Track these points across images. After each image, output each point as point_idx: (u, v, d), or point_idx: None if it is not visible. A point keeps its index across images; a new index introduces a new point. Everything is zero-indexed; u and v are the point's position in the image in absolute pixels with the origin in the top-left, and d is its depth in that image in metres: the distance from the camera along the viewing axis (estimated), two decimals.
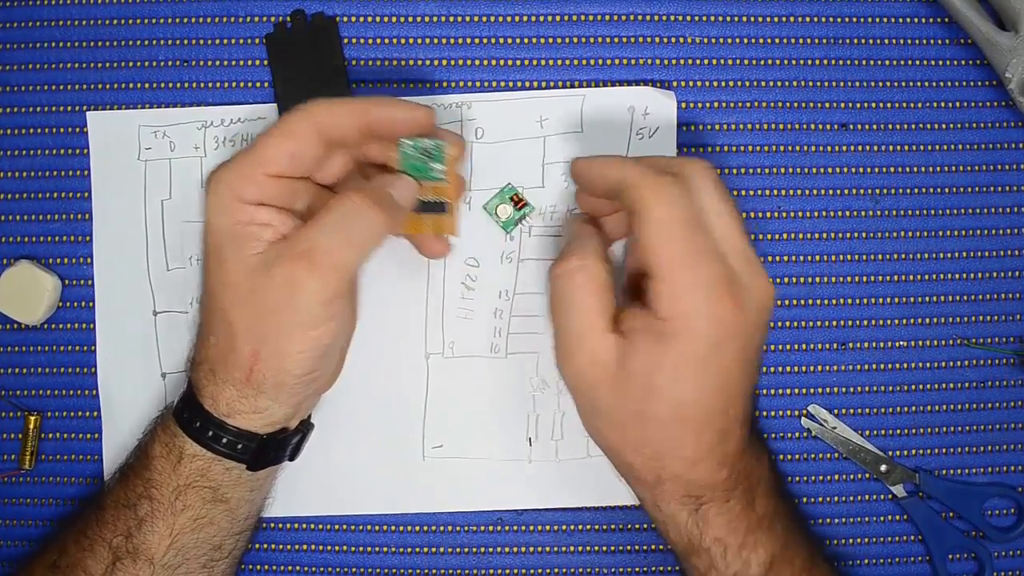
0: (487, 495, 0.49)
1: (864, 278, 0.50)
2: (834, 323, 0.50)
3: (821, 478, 0.50)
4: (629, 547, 0.50)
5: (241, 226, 0.39)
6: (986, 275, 0.50)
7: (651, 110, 0.49)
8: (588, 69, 0.49)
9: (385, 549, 0.50)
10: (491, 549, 0.50)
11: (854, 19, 0.50)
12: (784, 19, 0.50)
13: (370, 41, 0.50)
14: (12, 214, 0.50)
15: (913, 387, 0.50)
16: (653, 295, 0.37)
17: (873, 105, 0.50)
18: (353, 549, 0.50)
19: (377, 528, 0.50)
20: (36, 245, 0.50)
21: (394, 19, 0.50)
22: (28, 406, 0.50)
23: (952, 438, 0.50)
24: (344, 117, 0.40)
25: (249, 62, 0.50)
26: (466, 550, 0.50)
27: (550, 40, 0.49)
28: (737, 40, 0.49)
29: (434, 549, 0.50)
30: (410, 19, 0.50)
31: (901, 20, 0.50)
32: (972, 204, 0.50)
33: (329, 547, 0.50)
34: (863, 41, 0.50)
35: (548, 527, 0.50)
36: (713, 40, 0.49)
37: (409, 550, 0.50)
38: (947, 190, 0.50)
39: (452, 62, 0.50)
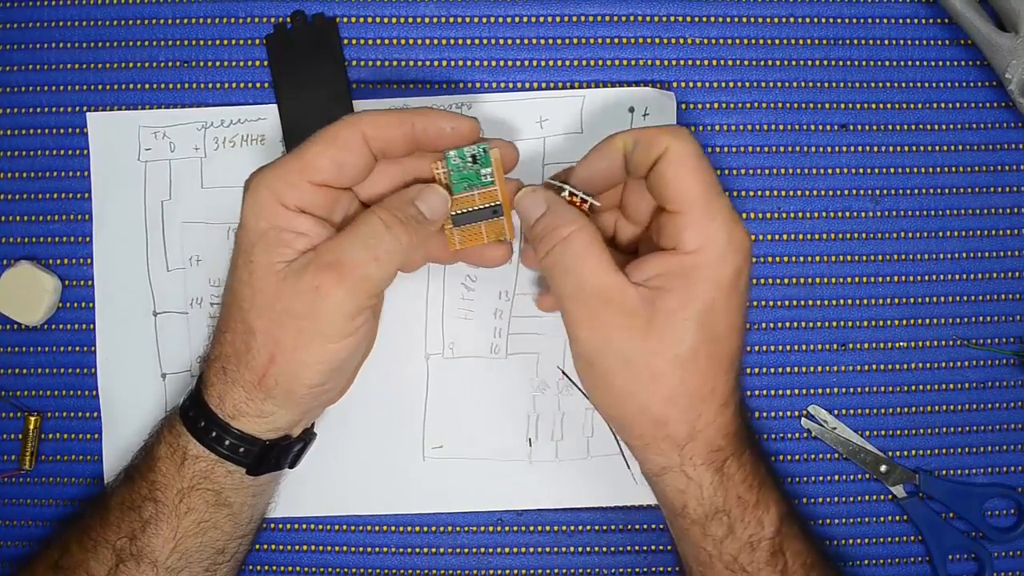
0: (487, 495, 0.49)
1: (864, 278, 0.50)
2: (834, 323, 0.50)
3: (821, 478, 0.50)
4: (629, 547, 0.50)
5: (276, 231, 0.39)
6: (986, 275, 0.50)
7: (651, 111, 0.49)
8: (588, 70, 0.49)
9: (385, 549, 0.50)
10: (491, 549, 0.50)
11: (854, 20, 0.50)
12: (784, 20, 0.50)
13: (370, 41, 0.50)
14: (12, 214, 0.50)
15: (913, 387, 0.50)
16: (676, 231, 0.38)
17: (873, 106, 0.50)
18: (353, 549, 0.50)
19: (377, 528, 0.50)
20: (36, 245, 0.50)
21: (394, 19, 0.50)
22: (28, 406, 0.50)
23: (952, 438, 0.50)
24: (390, 127, 0.39)
25: (249, 62, 0.50)
26: (466, 550, 0.50)
27: (550, 41, 0.49)
28: (737, 41, 0.49)
29: (434, 549, 0.50)
30: (410, 19, 0.50)
31: (901, 21, 0.50)
32: (972, 204, 0.50)
33: (329, 547, 0.50)
34: (863, 42, 0.50)
35: (548, 527, 0.50)
36: (713, 40, 0.49)
37: (409, 550, 0.50)
38: (947, 190, 0.50)
39: (452, 62, 0.50)
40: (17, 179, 0.50)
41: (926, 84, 0.50)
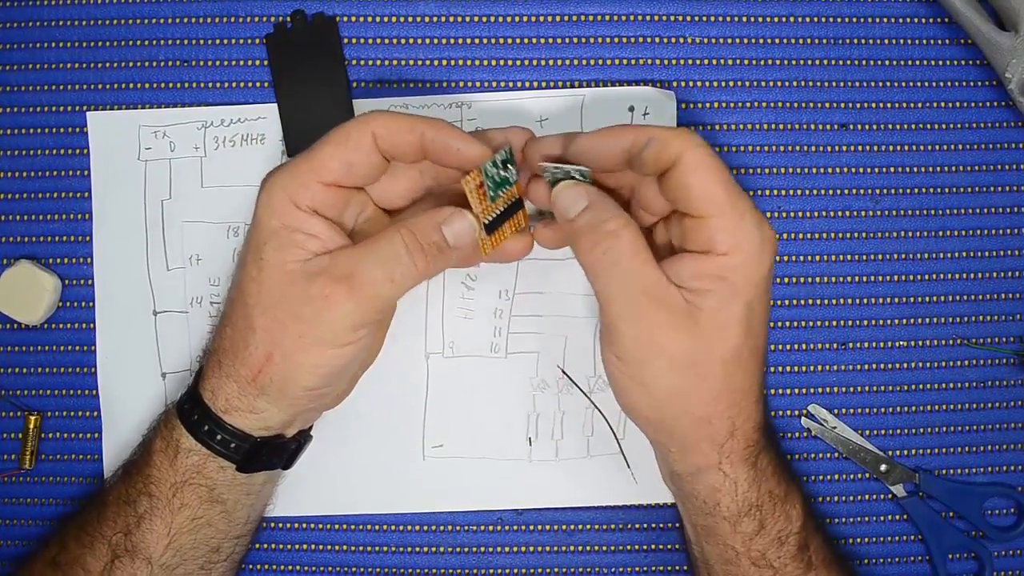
0: (487, 495, 0.49)
1: (864, 278, 0.50)
2: (834, 323, 0.50)
3: (821, 478, 0.50)
4: (629, 547, 0.50)
5: (288, 231, 0.39)
6: (986, 275, 0.50)
7: (651, 110, 0.49)
8: (588, 69, 0.49)
9: (385, 549, 0.50)
10: (491, 549, 0.50)
11: (854, 19, 0.50)
12: (784, 19, 0.50)
13: (370, 41, 0.50)
14: (12, 214, 0.50)
15: (913, 387, 0.50)
16: (707, 235, 0.38)
17: (873, 105, 0.50)
18: (353, 549, 0.50)
19: (377, 528, 0.50)
20: (36, 245, 0.50)
21: (394, 19, 0.50)
22: (28, 406, 0.50)
23: (952, 438, 0.50)
24: (401, 132, 0.39)
25: (249, 62, 0.50)
26: (466, 550, 0.50)
27: (550, 40, 0.49)
28: (737, 40, 0.49)
29: (434, 549, 0.50)
30: (410, 19, 0.50)
31: (901, 20, 0.50)
32: (972, 204, 0.50)
33: (329, 547, 0.50)
34: (863, 41, 0.50)
35: (548, 527, 0.50)
36: (713, 40, 0.49)
37: (409, 550, 0.50)
38: (947, 190, 0.50)
39: (452, 62, 0.50)
40: (17, 178, 0.50)
41: (926, 84, 0.50)
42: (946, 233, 0.50)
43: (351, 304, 0.38)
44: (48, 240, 0.50)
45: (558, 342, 0.49)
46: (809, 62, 0.50)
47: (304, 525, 0.50)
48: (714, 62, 0.50)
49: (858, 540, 0.50)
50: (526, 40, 0.50)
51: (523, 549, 0.50)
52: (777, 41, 0.50)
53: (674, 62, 0.49)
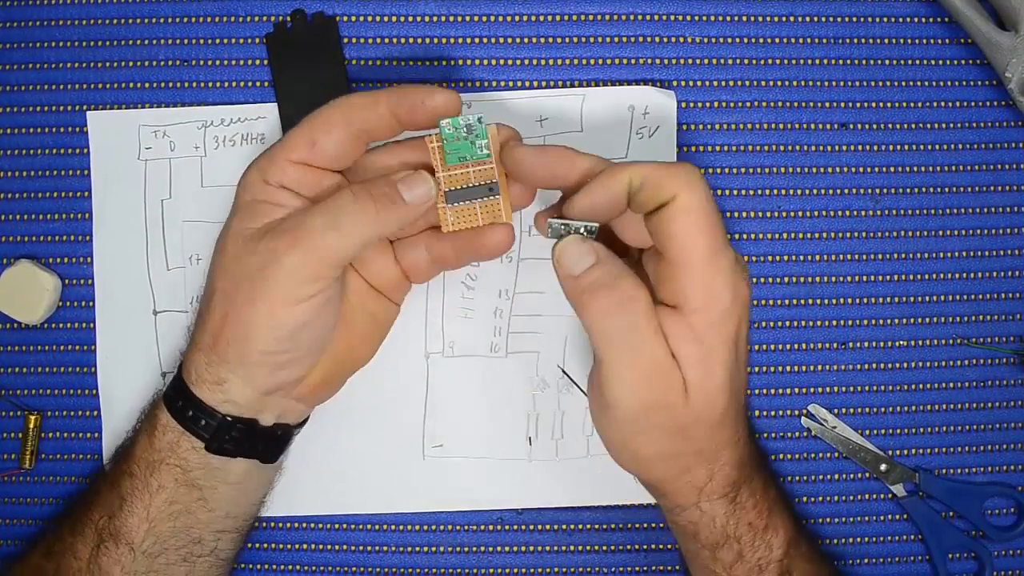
0: (487, 495, 0.49)
1: (864, 278, 0.50)
2: (834, 323, 0.50)
3: (821, 478, 0.50)
4: (629, 547, 0.50)
5: (256, 203, 0.40)
6: (986, 275, 0.50)
7: (651, 110, 0.49)
8: (588, 69, 0.49)
9: (385, 549, 0.50)
10: (491, 549, 0.50)
11: (854, 19, 0.50)
12: (784, 19, 0.50)
13: (370, 41, 0.50)
14: (12, 214, 0.50)
15: (913, 387, 0.50)
16: (678, 287, 0.37)
17: (873, 105, 0.50)
18: (353, 549, 0.50)
19: (377, 528, 0.50)
20: (36, 245, 0.50)
21: (394, 19, 0.50)
22: (28, 406, 0.50)
23: (952, 438, 0.50)
24: (367, 105, 0.40)
25: (249, 62, 0.50)
26: (466, 550, 0.50)
27: (550, 40, 0.49)
28: (737, 40, 0.49)
29: (434, 549, 0.50)
30: (410, 19, 0.50)
31: (901, 20, 0.50)
32: (972, 204, 0.50)
33: (329, 547, 0.50)
34: (863, 41, 0.50)
35: (548, 527, 0.50)
36: (713, 40, 0.49)
37: (409, 550, 0.50)
38: (947, 190, 0.50)
39: (452, 62, 0.50)
40: (17, 178, 0.50)
41: (926, 83, 0.50)
42: (946, 233, 0.50)
43: (296, 255, 0.38)
44: (48, 240, 0.50)
45: (558, 342, 0.49)
46: (809, 62, 0.50)
47: (304, 525, 0.50)
48: (714, 62, 0.49)
49: (858, 540, 0.50)
50: (526, 40, 0.50)
51: (523, 549, 0.50)
52: (777, 41, 0.50)
53: (674, 62, 0.49)
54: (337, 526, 0.50)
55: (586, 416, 0.49)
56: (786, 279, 0.50)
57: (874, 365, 0.50)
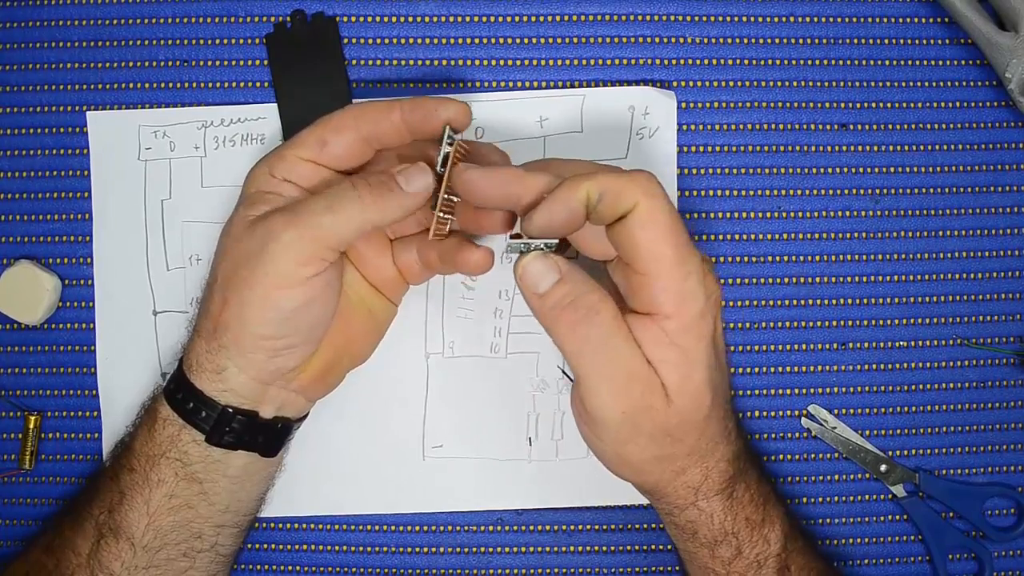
0: (487, 495, 0.49)
1: (864, 278, 0.50)
2: (834, 323, 0.50)
3: (821, 478, 0.50)
4: (629, 547, 0.50)
5: (261, 194, 0.41)
6: (986, 275, 0.50)
7: (651, 110, 0.49)
8: (588, 69, 0.49)
9: (385, 549, 0.50)
10: (491, 549, 0.50)
11: (854, 19, 0.50)
12: (784, 19, 0.50)
13: (370, 41, 0.50)
14: (12, 214, 0.50)
15: (913, 387, 0.50)
16: (650, 295, 0.37)
17: (873, 105, 0.50)
18: (353, 549, 0.50)
19: (377, 528, 0.50)
20: (36, 245, 0.50)
21: (394, 19, 0.50)
22: (28, 406, 0.50)
23: (952, 438, 0.50)
24: (380, 112, 0.40)
25: (249, 62, 0.50)
26: (466, 550, 0.50)
27: (550, 40, 0.49)
28: (737, 40, 0.49)
29: (434, 549, 0.50)
30: (410, 19, 0.50)
31: (901, 20, 0.50)
32: (972, 204, 0.50)
33: (329, 547, 0.50)
34: (863, 41, 0.50)
35: (548, 527, 0.50)
36: (713, 40, 0.49)
37: (409, 550, 0.50)
38: (947, 190, 0.50)
39: (452, 62, 0.50)
40: (17, 179, 0.50)
41: (926, 84, 0.50)
42: (946, 233, 0.50)
43: (291, 233, 0.38)
44: (48, 240, 0.50)
45: None
46: (809, 62, 0.50)
47: (304, 525, 0.50)
48: (714, 62, 0.49)
49: (858, 540, 0.50)
50: (526, 40, 0.50)
51: (523, 549, 0.50)
52: (777, 41, 0.50)
53: (674, 62, 0.49)
54: (337, 526, 0.50)
55: None
56: (786, 279, 0.50)
57: (874, 366, 0.50)
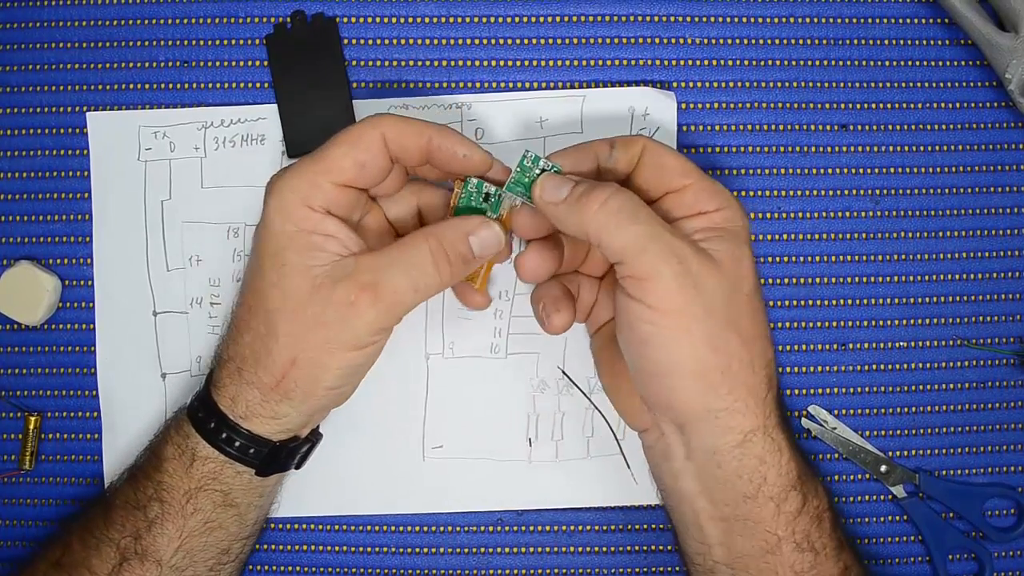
0: (487, 495, 0.49)
1: (864, 278, 0.50)
2: (834, 323, 0.50)
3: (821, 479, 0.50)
4: (629, 547, 0.50)
5: (305, 234, 0.39)
6: (986, 275, 0.50)
7: (651, 110, 0.49)
8: (588, 70, 0.49)
9: (385, 549, 0.50)
10: (491, 549, 0.50)
11: (854, 20, 0.50)
12: (784, 20, 0.50)
13: (370, 41, 0.50)
14: (12, 214, 0.50)
15: (913, 387, 0.50)
16: (692, 199, 0.40)
17: (873, 106, 0.50)
18: (353, 549, 0.50)
19: (377, 528, 0.50)
20: (36, 245, 0.50)
21: (394, 19, 0.50)
22: (28, 406, 0.50)
23: (952, 438, 0.50)
24: (409, 135, 0.40)
25: (249, 62, 0.50)
26: (466, 550, 0.50)
27: (550, 41, 0.49)
28: (737, 41, 0.49)
29: (434, 549, 0.50)
30: (410, 19, 0.50)
31: (901, 21, 0.50)
32: (972, 204, 0.50)
33: (329, 547, 0.50)
34: (863, 42, 0.50)
35: (548, 527, 0.50)
36: (713, 40, 0.49)
37: (409, 550, 0.50)
38: (947, 190, 0.50)
39: (452, 63, 0.50)
40: (17, 179, 0.50)
41: (926, 84, 0.50)
42: (946, 233, 0.50)
43: (375, 311, 0.39)
44: (48, 240, 0.50)
45: (558, 343, 0.49)
46: (809, 63, 0.50)
47: (304, 525, 0.50)
48: (714, 62, 0.49)
49: (858, 540, 0.50)
50: (526, 40, 0.50)
51: (523, 550, 0.50)
52: (777, 41, 0.50)
53: (674, 62, 0.49)
54: (337, 527, 0.50)
55: (586, 417, 0.49)
56: (786, 280, 0.50)
57: (874, 366, 0.50)
